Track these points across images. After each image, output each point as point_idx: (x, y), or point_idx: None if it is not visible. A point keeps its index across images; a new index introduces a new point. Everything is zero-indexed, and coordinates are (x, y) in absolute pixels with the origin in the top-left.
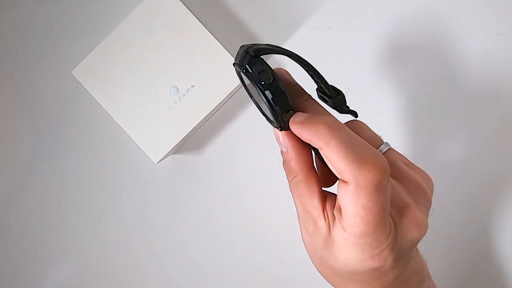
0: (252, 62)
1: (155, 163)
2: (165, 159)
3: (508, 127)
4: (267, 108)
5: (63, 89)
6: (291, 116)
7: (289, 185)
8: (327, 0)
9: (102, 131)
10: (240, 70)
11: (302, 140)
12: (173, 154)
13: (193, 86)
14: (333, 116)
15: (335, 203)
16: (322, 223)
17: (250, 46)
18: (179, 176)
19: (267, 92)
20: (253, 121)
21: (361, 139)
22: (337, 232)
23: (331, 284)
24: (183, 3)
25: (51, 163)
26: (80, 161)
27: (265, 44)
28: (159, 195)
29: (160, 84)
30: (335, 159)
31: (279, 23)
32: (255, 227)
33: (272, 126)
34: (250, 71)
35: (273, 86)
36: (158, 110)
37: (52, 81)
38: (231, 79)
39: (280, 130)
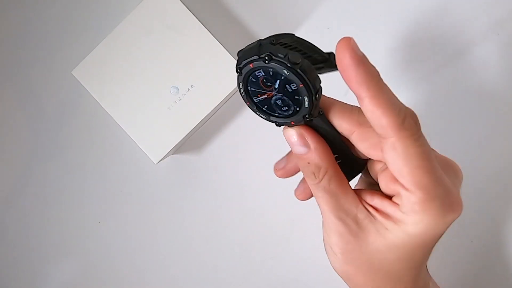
0: (275, 48)
1: (155, 163)
2: (165, 159)
3: (508, 127)
4: (292, 99)
5: (63, 89)
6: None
7: (316, 189)
8: (327, 0)
9: (102, 131)
10: (263, 62)
11: (320, 135)
12: (173, 154)
13: (193, 86)
14: None
15: (365, 194)
16: (363, 215)
17: (259, 40)
18: (179, 176)
19: (302, 72)
20: (253, 121)
21: (394, 94)
22: (405, 206)
23: None
24: (183, 3)
25: (51, 163)
26: (80, 161)
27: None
28: (159, 195)
29: (160, 84)
30: (380, 113)
31: (279, 23)
32: (255, 227)
33: (284, 129)
34: (279, 56)
35: (303, 66)
36: (158, 110)
37: (52, 81)
38: (231, 79)
39: (308, 120)
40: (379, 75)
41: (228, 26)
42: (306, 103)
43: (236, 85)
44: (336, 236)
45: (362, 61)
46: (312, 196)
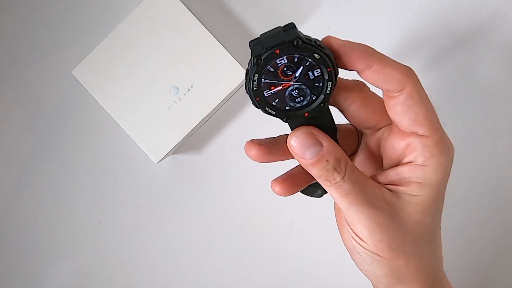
0: (301, 34)
1: (155, 163)
2: (165, 159)
3: (508, 127)
4: (311, 87)
5: (63, 89)
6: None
7: (341, 186)
8: (327, 0)
9: (102, 131)
10: (293, 46)
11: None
12: (173, 154)
13: (193, 86)
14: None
15: (375, 176)
16: (388, 195)
17: (278, 27)
18: (179, 176)
19: (330, 55)
20: (253, 121)
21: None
22: (422, 154)
23: (408, 258)
24: (183, 3)
25: (51, 162)
26: (80, 161)
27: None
28: (159, 195)
29: (160, 84)
30: (391, 70)
31: (279, 23)
32: (255, 227)
33: (290, 138)
34: (308, 40)
35: (329, 50)
36: (158, 110)
37: (52, 81)
38: (231, 79)
39: (322, 107)
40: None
41: (228, 26)
42: (329, 89)
43: (236, 84)
44: (376, 230)
45: (351, 42)
46: (291, 193)
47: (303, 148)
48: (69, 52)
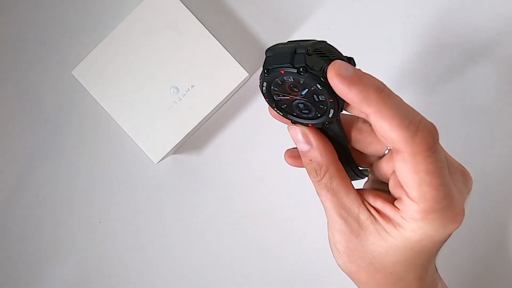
0: (311, 60)
1: (155, 163)
2: (165, 159)
3: (507, 128)
4: (316, 107)
5: (63, 89)
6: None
7: (318, 186)
8: (327, 0)
9: (102, 131)
10: (298, 73)
11: (324, 135)
12: (173, 154)
13: (193, 86)
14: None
15: (368, 194)
16: (365, 216)
17: (294, 45)
18: (179, 176)
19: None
20: (253, 121)
21: (407, 105)
22: (406, 212)
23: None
24: (183, 3)
25: (51, 163)
26: (80, 161)
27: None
28: (159, 195)
29: (160, 84)
30: (387, 128)
31: (279, 23)
32: (255, 227)
33: (289, 127)
34: (315, 70)
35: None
36: (158, 110)
37: (52, 81)
38: (231, 79)
39: (327, 125)
40: (381, 87)
41: (228, 26)
42: (331, 114)
43: (236, 84)
44: (339, 234)
45: (352, 81)
46: (301, 165)
47: (296, 140)
48: (69, 52)
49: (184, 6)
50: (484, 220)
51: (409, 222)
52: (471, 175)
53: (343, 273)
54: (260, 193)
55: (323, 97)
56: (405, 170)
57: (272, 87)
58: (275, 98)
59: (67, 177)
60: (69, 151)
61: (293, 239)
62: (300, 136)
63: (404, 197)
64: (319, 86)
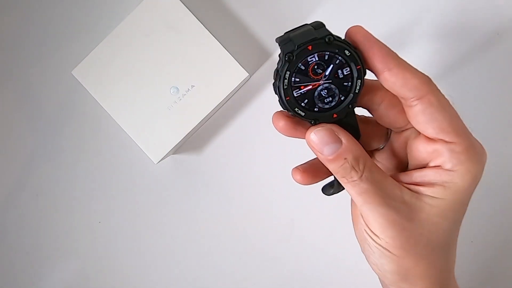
0: (331, 32)
1: (155, 163)
2: (165, 159)
3: (509, 127)
4: (340, 87)
5: (63, 89)
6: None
7: (358, 185)
8: (327, 0)
9: (102, 131)
10: (325, 43)
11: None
12: (173, 154)
13: (193, 86)
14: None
15: (397, 176)
16: (408, 195)
17: (305, 24)
18: (179, 176)
19: (358, 52)
20: (253, 121)
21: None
22: (450, 161)
23: (421, 263)
24: (183, 3)
25: (51, 163)
26: (79, 161)
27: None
28: (159, 195)
29: (160, 84)
30: (410, 75)
31: (279, 23)
32: (255, 227)
33: (309, 134)
34: (339, 38)
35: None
36: (158, 110)
37: (52, 81)
38: (231, 79)
39: (351, 109)
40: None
41: (228, 26)
42: (358, 87)
43: (236, 84)
44: (391, 228)
45: (373, 37)
46: (311, 182)
47: (321, 144)
48: (69, 52)
49: (184, 6)
50: (484, 220)
51: (457, 169)
52: None
53: (343, 273)
54: (260, 193)
55: (348, 70)
56: (435, 112)
57: (293, 79)
58: (295, 94)
59: (67, 177)
60: (69, 151)
61: (293, 239)
62: (327, 137)
63: (442, 147)
64: (347, 53)
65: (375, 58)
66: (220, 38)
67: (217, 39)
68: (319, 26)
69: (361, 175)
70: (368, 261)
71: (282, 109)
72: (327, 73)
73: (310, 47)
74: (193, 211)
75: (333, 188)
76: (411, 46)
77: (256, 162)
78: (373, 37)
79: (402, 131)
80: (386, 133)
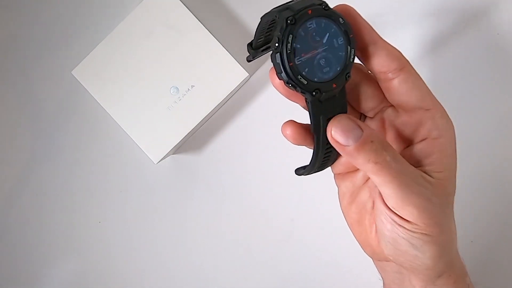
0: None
1: (155, 163)
2: (165, 159)
3: (508, 127)
4: (336, 56)
5: (63, 89)
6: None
7: (389, 165)
8: (326, 0)
9: (102, 131)
10: (323, 9)
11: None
12: (173, 154)
13: (193, 86)
14: None
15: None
16: (423, 173)
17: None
18: (179, 176)
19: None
20: (253, 121)
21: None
22: (435, 126)
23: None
24: (183, 3)
25: (51, 162)
26: (79, 161)
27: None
28: (159, 195)
29: (160, 84)
30: (391, 48)
31: None
32: (255, 226)
33: (332, 125)
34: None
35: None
36: (158, 110)
37: (52, 81)
38: (231, 79)
39: (347, 79)
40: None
41: (228, 26)
42: (352, 56)
43: (236, 84)
44: (426, 208)
45: (361, 16)
46: (299, 142)
47: (345, 133)
48: (69, 52)
49: (184, 6)
50: (484, 220)
51: (442, 134)
52: (470, 175)
53: (343, 273)
54: (260, 193)
55: (341, 40)
56: (416, 80)
57: (295, 45)
58: (297, 61)
59: (67, 177)
60: (69, 151)
61: (293, 239)
62: (347, 125)
63: (423, 116)
64: (341, 20)
65: (363, 32)
66: (220, 38)
67: (217, 39)
68: None
69: (393, 154)
70: (395, 260)
71: (283, 81)
72: (324, 41)
73: (310, 11)
74: (193, 211)
75: (305, 169)
76: (410, 44)
77: (256, 162)
78: (358, 13)
79: (375, 115)
80: (359, 116)
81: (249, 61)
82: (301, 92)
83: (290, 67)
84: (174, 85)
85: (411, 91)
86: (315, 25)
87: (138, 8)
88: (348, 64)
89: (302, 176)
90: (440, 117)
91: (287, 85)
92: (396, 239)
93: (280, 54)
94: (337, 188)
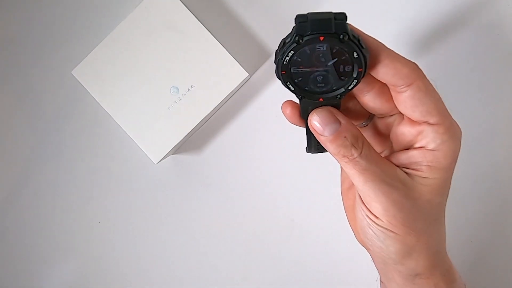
0: (349, 28)
1: (155, 163)
2: (165, 159)
3: (508, 127)
4: (337, 79)
5: (63, 89)
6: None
7: (358, 163)
8: (326, 0)
9: (102, 131)
10: (338, 40)
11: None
12: (173, 154)
13: (193, 86)
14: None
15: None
16: (402, 174)
17: (329, 12)
18: (179, 176)
19: (366, 56)
20: (253, 121)
21: None
22: (434, 141)
23: (418, 235)
24: (183, 3)
25: (51, 163)
26: (79, 161)
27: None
28: (159, 195)
29: (160, 84)
30: (400, 65)
31: (279, 23)
32: (255, 226)
33: (312, 115)
34: (355, 37)
35: (366, 51)
36: (158, 110)
37: (52, 81)
38: (231, 79)
39: (339, 99)
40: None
41: (228, 26)
42: (352, 86)
43: (236, 84)
44: (391, 206)
45: (366, 34)
46: (298, 122)
47: (323, 124)
48: (69, 52)
49: (184, 6)
50: (484, 220)
51: (440, 148)
52: (469, 175)
53: (343, 273)
54: (260, 193)
55: (350, 68)
56: (424, 97)
57: (295, 58)
58: (292, 70)
59: (66, 177)
60: (68, 151)
61: (294, 239)
62: (327, 117)
63: (427, 128)
64: (355, 55)
65: (372, 47)
66: (220, 38)
67: (217, 39)
68: (340, 18)
69: (361, 152)
70: (368, 246)
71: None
72: (329, 63)
73: (321, 38)
74: (193, 211)
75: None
76: (412, 44)
77: (256, 162)
78: (363, 33)
79: (385, 117)
80: (369, 113)
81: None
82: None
83: (282, 74)
84: (174, 85)
85: (416, 107)
86: (324, 49)
87: (138, 8)
88: (345, 90)
89: (310, 154)
90: (443, 133)
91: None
92: (365, 227)
93: (277, 61)
94: (340, 173)
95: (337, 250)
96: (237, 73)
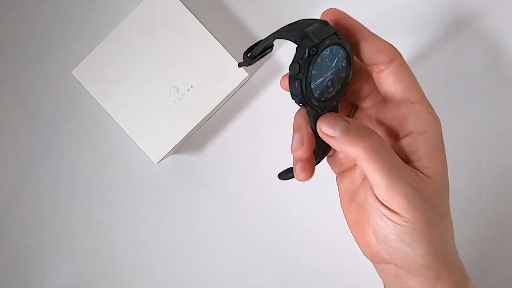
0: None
1: (155, 163)
2: (165, 159)
3: (508, 126)
4: (339, 77)
5: (63, 89)
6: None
7: (376, 150)
8: (327, 0)
9: (102, 131)
10: (337, 38)
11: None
12: (173, 154)
13: (193, 86)
14: None
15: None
16: (419, 173)
17: (313, 19)
18: (179, 176)
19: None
20: (253, 121)
21: None
22: (418, 121)
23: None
24: (183, 3)
25: (51, 163)
26: (80, 161)
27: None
28: (159, 195)
29: (160, 84)
30: (381, 42)
31: (279, 23)
32: (255, 226)
33: (321, 121)
34: (342, 34)
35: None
36: (158, 110)
37: (52, 81)
38: (231, 79)
39: (344, 95)
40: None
41: (228, 26)
42: (350, 76)
43: (236, 84)
44: (416, 196)
45: (349, 16)
46: (312, 173)
47: (331, 126)
48: (69, 52)
49: (184, 6)
50: (484, 220)
51: (426, 129)
52: (469, 175)
53: (344, 273)
54: (260, 193)
55: (345, 62)
56: (404, 72)
57: (313, 72)
58: (312, 86)
59: (67, 177)
60: (69, 151)
61: (294, 239)
62: (333, 120)
63: (408, 109)
64: (348, 47)
65: (354, 30)
66: (220, 38)
67: (217, 39)
68: (326, 23)
69: (380, 141)
70: (388, 259)
71: (295, 102)
72: (333, 65)
73: (328, 41)
74: (193, 211)
75: (291, 173)
76: (411, 46)
77: (256, 162)
78: (347, 14)
79: (364, 108)
80: (350, 110)
81: (240, 66)
82: (308, 110)
83: (306, 93)
84: (174, 85)
85: (397, 82)
86: (329, 52)
87: (138, 8)
88: (346, 83)
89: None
90: (425, 112)
91: (299, 104)
92: (387, 235)
93: (301, 82)
94: (338, 189)
95: (337, 250)
96: (237, 73)
